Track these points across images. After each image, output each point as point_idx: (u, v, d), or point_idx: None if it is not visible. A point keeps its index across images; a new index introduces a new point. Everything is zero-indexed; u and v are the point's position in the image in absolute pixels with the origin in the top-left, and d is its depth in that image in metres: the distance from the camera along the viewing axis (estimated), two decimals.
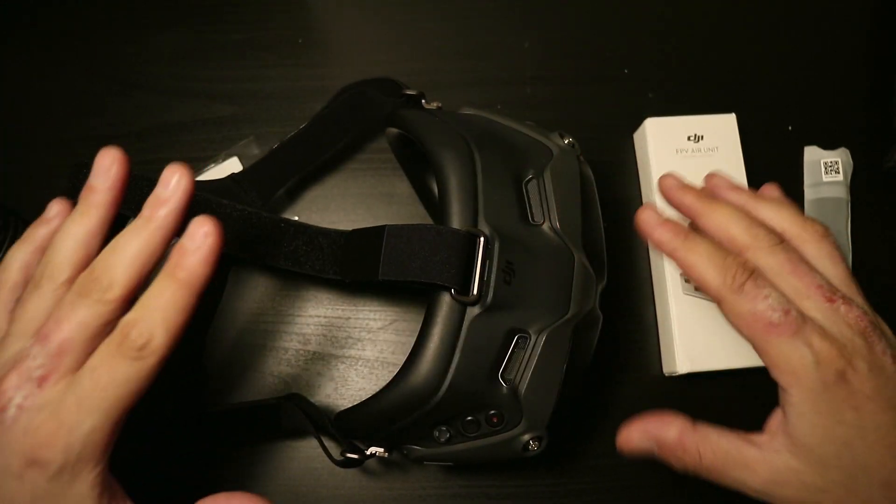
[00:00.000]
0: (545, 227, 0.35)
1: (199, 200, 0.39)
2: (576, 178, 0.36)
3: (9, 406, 0.27)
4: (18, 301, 0.30)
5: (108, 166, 0.29)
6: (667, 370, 0.44)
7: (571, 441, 0.44)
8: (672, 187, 0.36)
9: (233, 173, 0.44)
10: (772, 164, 0.49)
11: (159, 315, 0.27)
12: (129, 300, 0.28)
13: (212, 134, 0.48)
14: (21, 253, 0.32)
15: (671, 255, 0.33)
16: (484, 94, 0.50)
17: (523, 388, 0.33)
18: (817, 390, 0.29)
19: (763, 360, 0.31)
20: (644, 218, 0.34)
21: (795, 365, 0.29)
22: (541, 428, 0.34)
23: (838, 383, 0.29)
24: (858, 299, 0.32)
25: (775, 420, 0.31)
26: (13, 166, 0.48)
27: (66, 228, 0.29)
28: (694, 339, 0.42)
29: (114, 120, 0.48)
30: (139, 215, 0.28)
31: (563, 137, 0.39)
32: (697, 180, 0.43)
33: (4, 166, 0.47)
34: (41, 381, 0.27)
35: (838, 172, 0.47)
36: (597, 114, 0.50)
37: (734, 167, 0.45)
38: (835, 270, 0.32)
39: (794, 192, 0.49)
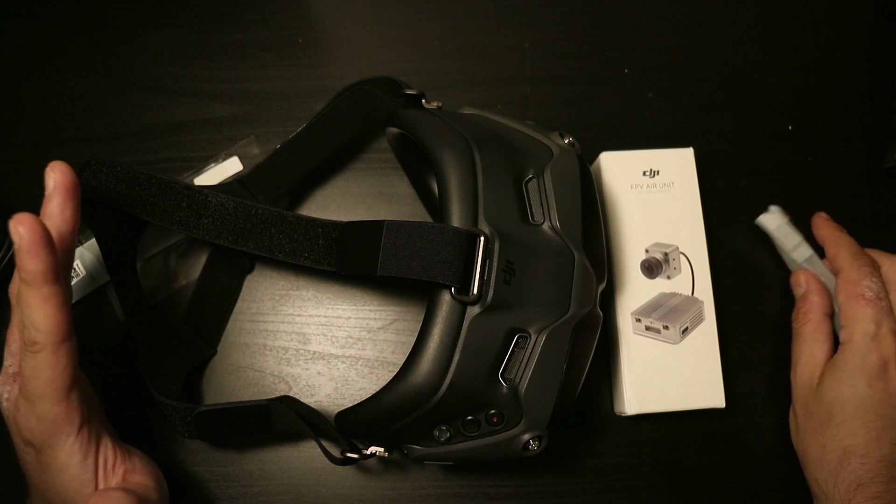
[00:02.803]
0: (545, 226, 0.35)
1: (194, 193, 0.39)
2: (576, 177, 0.36)
3: (1, 400, 0.34)
4: None
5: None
6: (617, 410, 0.44)
7: (571, 441, 0.44)
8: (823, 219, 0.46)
9: (240, 177, 0.45)
10: (772, 165, 0.49)
11: (28, 319, 0.30)
12: None
13: (212, 134, 0.48)
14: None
15: (829, 237, 0.43)
16: (484, 94, 0.50)
17: (523, 387, 0.33)
18: (857, 355, 0.38)
19: (841, 319, 0.40)
20: (819, 218, 0.45)
21: (856, 330, 0.39)
22: (541, 427, 0.34)
23: (876, 363, 0.38)
24: None
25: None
26: (13, 166, 0.48)
27: None
28: (643, 380, 0.42)
29: (114, 120, 0.48)
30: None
31: (563, 137, 0.39)
32: (653, 216, 0.44)
33: (4, 166, 0.47)
34: (15, 376, 0.34)
35: (796, 230, 0.45)
36: (597, 114, 0.50)
37: (690, 203, 0.44)
38: None
39: (789, 193, 0.49)
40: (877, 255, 0.43)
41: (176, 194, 0.39)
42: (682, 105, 0.50)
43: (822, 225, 0.45)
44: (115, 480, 0.34)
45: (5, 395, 0.34)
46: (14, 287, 0.35)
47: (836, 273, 0.42)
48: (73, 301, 0.44)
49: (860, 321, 0.39)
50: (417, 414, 0.33)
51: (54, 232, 0.31)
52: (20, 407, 0.32)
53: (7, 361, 0.35)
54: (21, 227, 0.29)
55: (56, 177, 0.32)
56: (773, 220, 0.45)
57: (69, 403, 0.32)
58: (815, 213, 0.48)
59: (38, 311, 0.30)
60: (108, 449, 0.34)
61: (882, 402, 0.37)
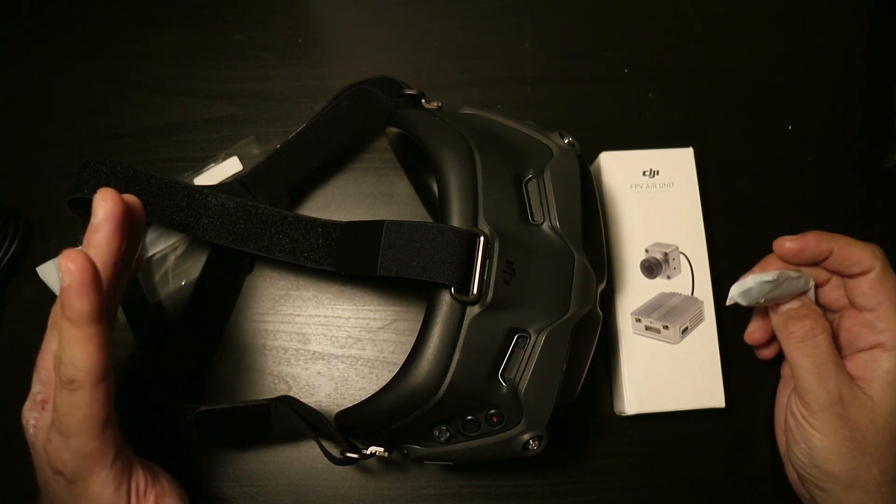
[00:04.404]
0: (545, 226, 0.35)
1: (194, 193, 0.39)
2: (576, 177, 0.36)
3: (27, 426, 0.33)
4: None
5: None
6: (617, 410, 0.44)
7: (571, 441, 0.44)
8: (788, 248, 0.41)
9: (241, 177, 0.44)
10: (772, 165, 0.49)
11: (68, 357, 0.29)
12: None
13: (212, 134, 0.48)
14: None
15: (827, 254, 0.39)
16: (484, 94, 0.50)
17: (523, 387, 0.33)
18: None
19: (880, 322, 0.38)
20: (782, 244, 0.40)
21: None
22: (541, 427, 0.34)
23: None
24: None
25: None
26: (13, 166, 0.48)
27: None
28: (643, 380, 0.42)
29: (114, 120, 0.48)
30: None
31: (563, 137, 0.39)
32: (652, 216, 0.44)
33: (4, 166, 0.47)
34: (43, 404, 0.33)
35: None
36: (597, 114, 0.50)
37: (690, 203, 0.44)
38: None
39: (789, 193, 0.49)
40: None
41: (176, 194, 0.39)
42: (682, 105, 0.50)
43: (816, 234, 0.40)
44: None
45: (32, 422, 0.33)
46: (56, 313, 0.33)
47: (859, 274, 0.39)
48: None
49: None
50: (417, 414, 0.33)
51: (100, 264, 0.30)
52: (52, 440, 0.31)
53: (35, 388, 0.33)
54: (72, 265, 0.28)
55: (108, 207, 0.30)
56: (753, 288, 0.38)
57: (105, 439, 0.31)
58: (813, 213, 0.48)
59: (80, 350, 0.29)
60: (139, 476, 0.34)
61: None
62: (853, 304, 0.40)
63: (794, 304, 0.39)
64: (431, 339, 0.32)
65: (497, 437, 0.34)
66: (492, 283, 0.32)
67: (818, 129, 0.50)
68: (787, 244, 0.39)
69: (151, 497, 0.34)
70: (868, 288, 0.39)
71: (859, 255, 0.39)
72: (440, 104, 0.40)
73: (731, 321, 0.45)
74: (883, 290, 0.38)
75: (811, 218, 0.48)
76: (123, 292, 0.36)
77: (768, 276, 0.38)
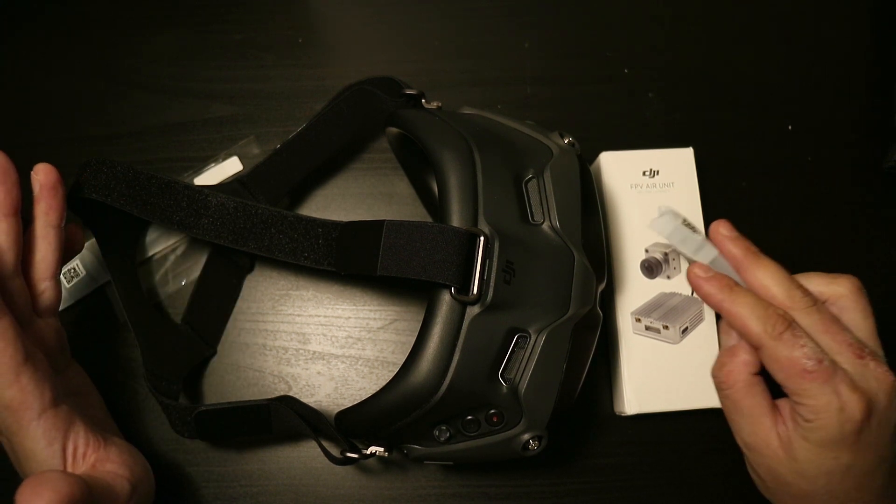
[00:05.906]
0: (545, 226, 0.35)
1: (194, 193, 0.39)
2: (576, 177, 0.36)
3: None
4: None
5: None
6: (617, 410, 0.44)
7: (571, 441, 0.44)
8: (723, 237, 0.37)
9: (241, 177, 0.45)
10: (772, 165, 0.49)
11: None
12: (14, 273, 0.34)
13: (212, 134, 0.48)
14: None
15: (717, 307, 0.36)
16: (484, 94, 0.50)
17: (523, 387, 0.33)
18: (832, 431, 0.32)
19: (793, 399, 0.34)
20: (694, 273, 0.37)
21: (821, 407, 0.32)
22: (541, 427, 0.34)
23: (852, 433, 0.32)
24: (881, 354, 0.35)
25: (784, 429, 0.35)
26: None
27: None
28: (643, 380, 0.42)
29: (114, 120, 0.48)
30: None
31: (563, 137, 0.39)
32: (653, 216, 0.43)
33: None
34: None
35: (695, 229, 0.39)
36: (597, 114, 0.50)
37: (690, 203, 0.44)
38: (865, 324, 0.35)
39: (789, 193, 0.49)
40: (807, 279, 0.37)
41: (176, 194, 0.39)
42: (682, 105, 0.50)
43: (707, 289, 0.36)
44: (83, 468, 0.33)
45: None
46: None
47: (753, 346, 0.35)
48: (73, 301, 0.44)
49: (818, 396, 0.33)
50: (417, 414, 0.33)
51: (42, 228, 0.36)
52: None
53: None
54: None
55: (40, 178, 0.36)
56: (667, 225, 0.38)
57: (21, 387, 0.31)
58: (813, 213, 0.48)
59: None
60: (78, 436, 0.33)
61: (869, 459, 0.34)
62: None
63: (731, 340, 0.37)
64: (431, 339, 0.32)
65: (497, 437, 0.34)
66: (492, 283, 0.32)
67: (818, 129, 0.50)
68: (699, 274, 0.37)
69: (91, 459, 0.33)
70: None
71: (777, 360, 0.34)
72: (440, 104, 0.40)
73: None
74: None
75: (811, 218, 0.48)
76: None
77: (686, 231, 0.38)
